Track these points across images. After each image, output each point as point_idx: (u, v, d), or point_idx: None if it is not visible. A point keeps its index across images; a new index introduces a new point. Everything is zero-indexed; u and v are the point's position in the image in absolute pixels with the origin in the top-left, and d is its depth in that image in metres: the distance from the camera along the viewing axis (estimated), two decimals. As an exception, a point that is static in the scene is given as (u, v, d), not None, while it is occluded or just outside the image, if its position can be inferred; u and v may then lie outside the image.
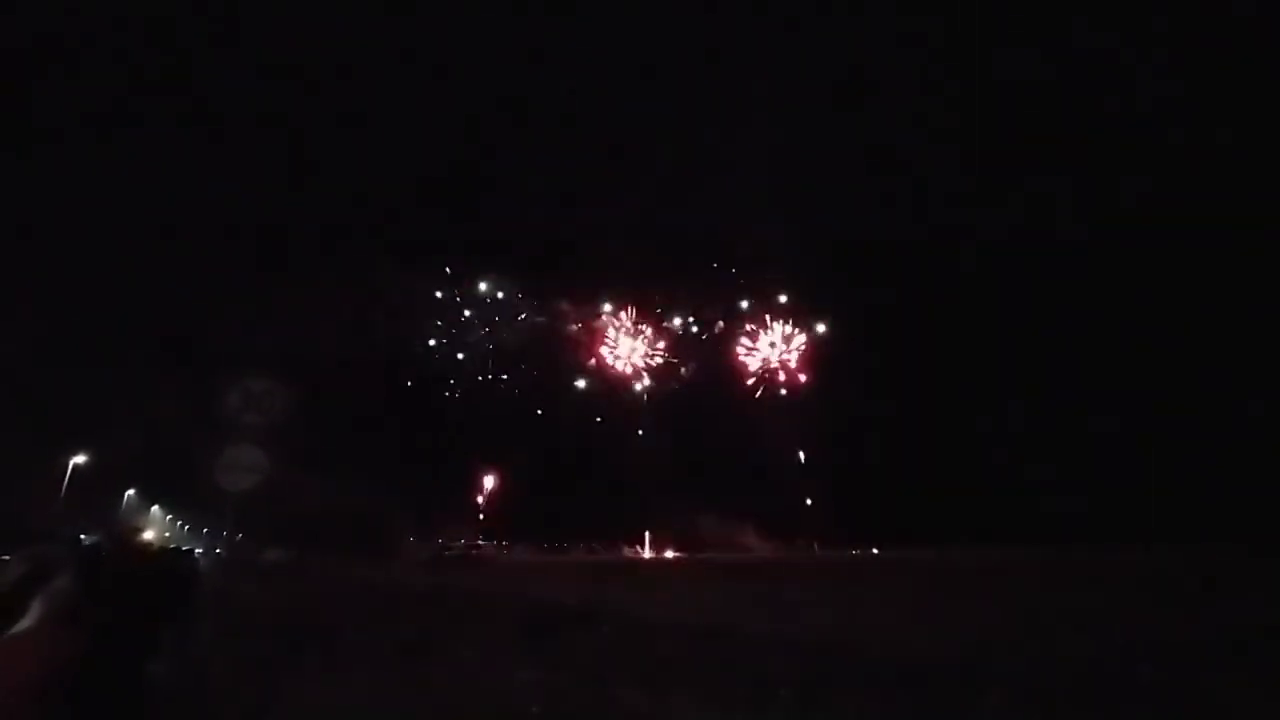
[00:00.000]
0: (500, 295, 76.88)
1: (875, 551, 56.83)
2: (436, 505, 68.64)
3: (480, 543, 69.88)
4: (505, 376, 77.24)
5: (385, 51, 79.12)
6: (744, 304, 78.38)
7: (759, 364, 76.61)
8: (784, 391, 76.05)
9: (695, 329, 78.91)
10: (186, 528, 65.57)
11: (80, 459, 31.09)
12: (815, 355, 76.35)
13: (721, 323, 78.39)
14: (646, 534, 71.38)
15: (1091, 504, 53.24)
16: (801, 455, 71.80)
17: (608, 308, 77.80)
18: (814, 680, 6.52)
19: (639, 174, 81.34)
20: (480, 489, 70.40)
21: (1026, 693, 5.71)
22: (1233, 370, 54.73)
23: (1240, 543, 34.55)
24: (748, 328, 77.87)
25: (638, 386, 77.54)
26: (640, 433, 74.87)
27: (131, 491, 48.11)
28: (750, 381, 76.56)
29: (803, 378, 75.66)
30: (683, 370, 77.91)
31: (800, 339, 76.49)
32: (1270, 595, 14.24)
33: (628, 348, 77.66)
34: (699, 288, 77.85)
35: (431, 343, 75.80)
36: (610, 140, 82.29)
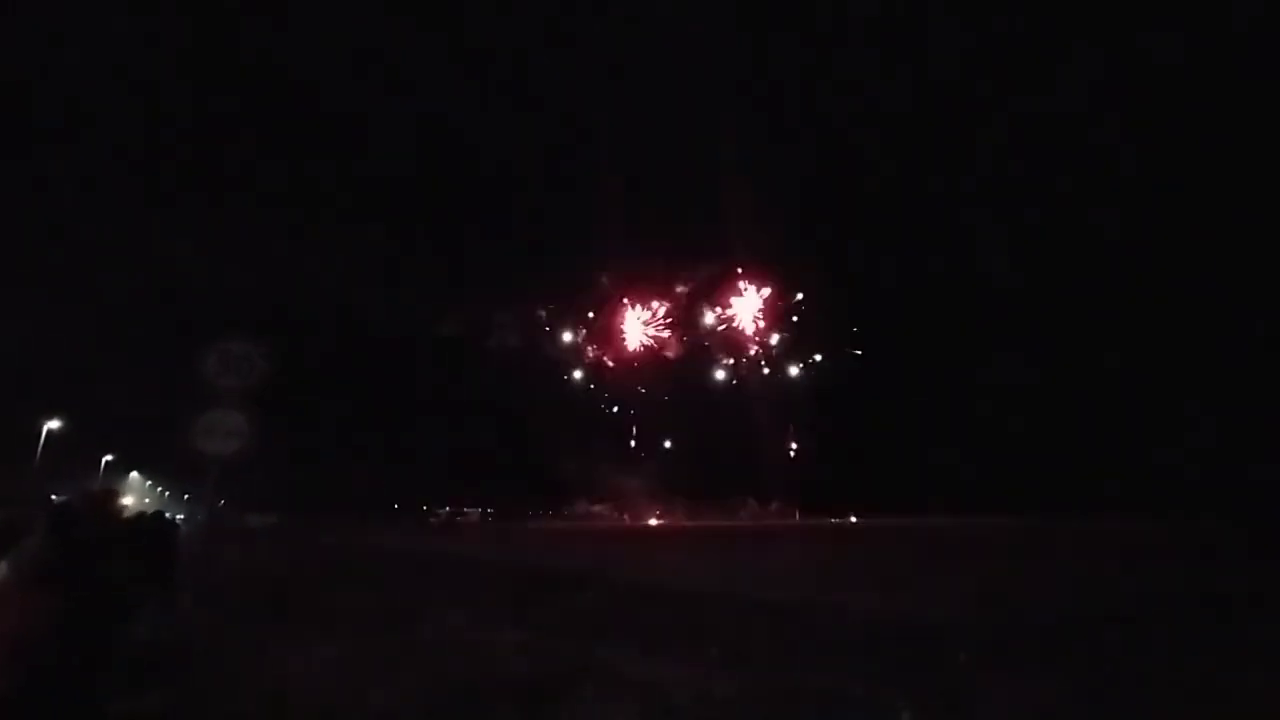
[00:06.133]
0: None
1: (854, 519, 58.18)
2: (422, 472, 68.79)
3: (465, 510, 70.44)
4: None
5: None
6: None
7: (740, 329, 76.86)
8: (765, 368, 76.70)
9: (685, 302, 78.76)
10: (167, 494, 65.00)
11: (54, 424, 30.38)
12: (789, 321, 76.71)
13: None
14: (631, 501, 72.34)
15: (1067, 474, 54.67)
16: (789, 427, 72.84)
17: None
18: (793, 640, 6.71)
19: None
20: (466, 456, 70.54)
21: (994, 653, 5.93)
22: (1226, 351, 55.51)
23: (1219, 515, 35.62)
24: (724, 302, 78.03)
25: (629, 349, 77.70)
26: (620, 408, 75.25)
27: (109, 457, 47.32)
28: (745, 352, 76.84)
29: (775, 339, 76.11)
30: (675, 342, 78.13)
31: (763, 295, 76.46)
32: (1237, 564, 14.92)
33: (634, 327, 78.04)
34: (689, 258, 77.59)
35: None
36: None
